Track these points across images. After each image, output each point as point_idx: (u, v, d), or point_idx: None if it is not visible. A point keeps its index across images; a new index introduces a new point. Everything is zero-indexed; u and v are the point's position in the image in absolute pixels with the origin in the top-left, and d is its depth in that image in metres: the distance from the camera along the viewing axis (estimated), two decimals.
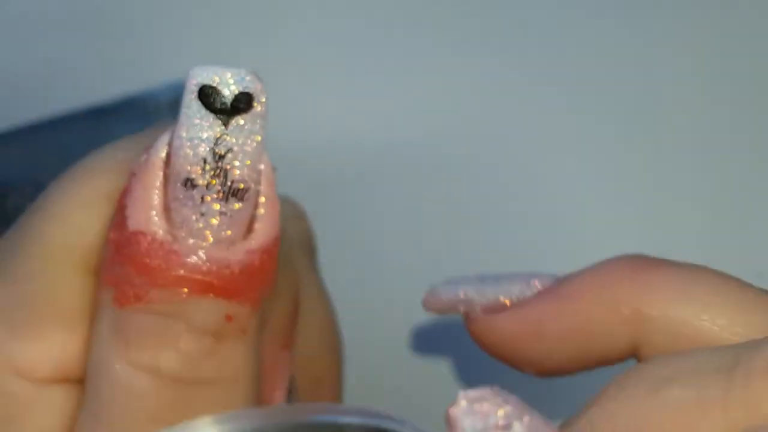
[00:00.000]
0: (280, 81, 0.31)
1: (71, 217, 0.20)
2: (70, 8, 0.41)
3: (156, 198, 0.19)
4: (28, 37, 0.41)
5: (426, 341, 0.38)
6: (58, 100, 0.38)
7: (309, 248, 0.27)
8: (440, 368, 0.37)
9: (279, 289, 0.21)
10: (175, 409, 0.19)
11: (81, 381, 0.20)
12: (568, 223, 0.39)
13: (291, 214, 0.26)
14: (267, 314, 0.21)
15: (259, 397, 0.20)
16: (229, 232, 0.19)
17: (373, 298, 0.36)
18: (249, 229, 0.19)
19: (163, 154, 0.19)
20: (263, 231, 0.19)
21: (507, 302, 0.24)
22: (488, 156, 0.40)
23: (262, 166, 0.19)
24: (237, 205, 0.19)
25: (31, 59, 0.40)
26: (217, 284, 0.19)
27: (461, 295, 0.24)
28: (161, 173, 0.19)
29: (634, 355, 0.23)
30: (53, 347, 0.19)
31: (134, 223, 0.19)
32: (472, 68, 0.41)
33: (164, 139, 0.19)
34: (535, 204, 0.40)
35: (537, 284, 0.24)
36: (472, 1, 0.42)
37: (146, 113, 0.36)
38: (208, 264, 0.19)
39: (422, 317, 0.33)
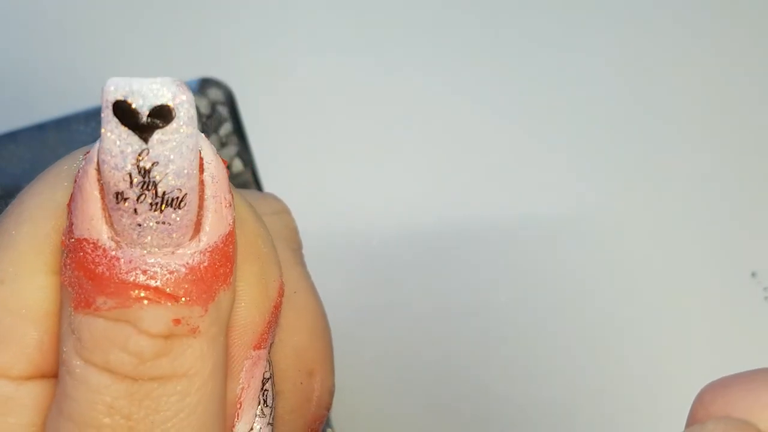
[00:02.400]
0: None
1: (39, 221, 0.20)
2: (71, 9, 0.41)
3: (95, 205, 0.19)
4: (30, 38, 0.41)
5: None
6: (61, 101, 0.38)
7: (293, 242, 0.27)
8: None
9: (250, 286, 0.21)
10: (133, 401, 0.19)
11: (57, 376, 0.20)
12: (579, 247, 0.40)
13: (272, 210, 0.26)
14: (230, 308, 0.21)
15: (226, 394, 0.21)
16: (172, 238, 0.19)
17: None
18: (197, 230, 0.19)
19: (95, 163, 0.19)
20: (211, 230, 0.19)
21: None
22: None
23: (204, 166, 0.19)
24: (174, 214, 0.19)
25: (34, 61, 0.40)
26: (161, 289, 0.19)
27: None
28: (96, 181, 0.19)
29: None
30: (28, 345, 0.20)
31: (78, 229, 0.19)
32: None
33: (97, 146, 0.19)
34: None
35: None
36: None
37: None
38: (152, 270, 0.19)
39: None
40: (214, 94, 0.37)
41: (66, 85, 0.40)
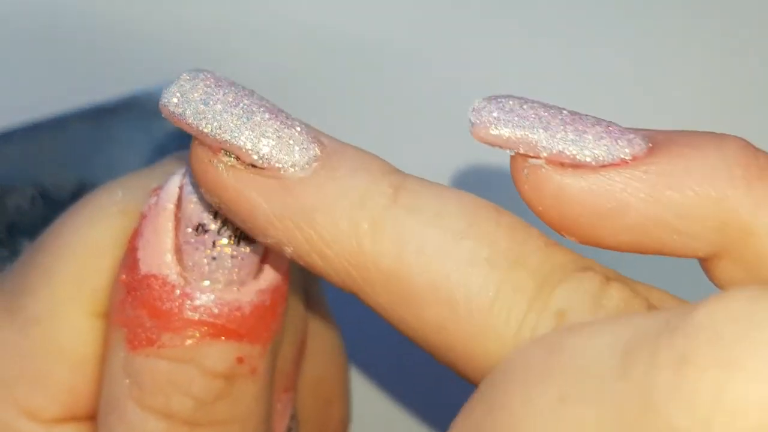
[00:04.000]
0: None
1: (81, 259, 0.20)
2: (71, 8, 0.41)
3: (168, 241, 0.19)
4: (28, 37, 0.41)
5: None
6: (58, 99, 0.38)
7: None
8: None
9: (286, 328, 0.21)
10: None
11: (90, 418, 0.20)
12: None
13: None
14: (277, 351, 0.21)
15: None
16: (240, 274, 0.19)
17: None
18: (259, 269, 0.19)
19: (175, 197, 0.19)
20: (273, 270, 0.19)
21: (590, 164, 0.19)
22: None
23: None
24: (247, 249, 0.19)
25: (32, 59, 0.40)
26: (228, 327, 0.19)
27: (525, 135, 0.19)
28: (173, 216, 0.19)
29: (703, 257, 0.19)
30: (60, 389, 0.20)
31: (146, 266, 0.19)
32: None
33: (175, 181, 0.19)
34: None
35: (627, 150, 0.20)
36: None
37: (146, 113, 0.36)
38: (219, 307, 0.19)
39: None
40: None
41: (61, 84, 0.40)
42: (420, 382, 0.37)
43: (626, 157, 0.20)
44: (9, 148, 0.37)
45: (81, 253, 0.20)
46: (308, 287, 0.24)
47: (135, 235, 0.19)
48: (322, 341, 0.24)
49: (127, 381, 0.19)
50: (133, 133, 0.36)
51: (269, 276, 0.19)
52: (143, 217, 0.19)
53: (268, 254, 0.19)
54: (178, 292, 0.19)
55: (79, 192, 0.36)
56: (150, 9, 0.41)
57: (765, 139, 0.40)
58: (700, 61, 0.41)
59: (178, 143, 0.36)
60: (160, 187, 0.19)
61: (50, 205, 0.36)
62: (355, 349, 0.26)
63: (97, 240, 0.20)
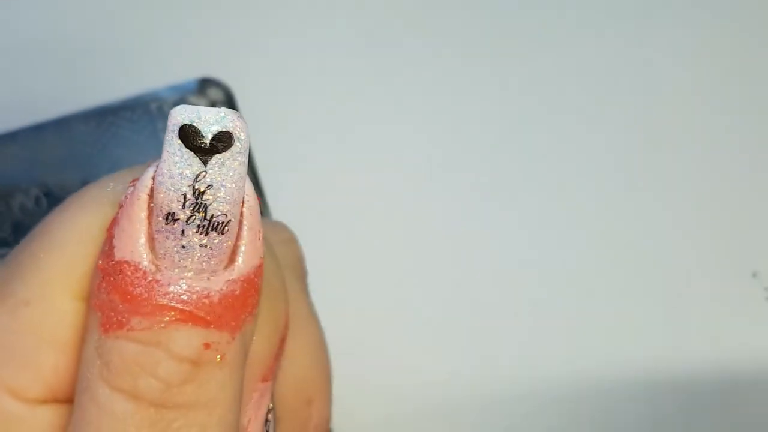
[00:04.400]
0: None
1: (69, 245, 0.21)
2: (69, 9, 0.41)
3: (141, 229, 0.20)
4: (28, 38, 0.41)
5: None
6: (63, 100, 0.39)
7: (299, 271, 0.27)
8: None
9: (263, 320, 0.22)
10: (155, 430, 0.19)
11: (71, 401, 0.20)
12: (575, 237, 0.40)
13: (281, 239, 0.27)
14: (249, 341, 0.21)
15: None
16: (210, 263, 0.20)
17: None
18: (231, 259, 0.20)
19: (148, 188, 0.20)
20: (244, 261, 0.20)
21: None
22: None
23: (244, 198, 0.20)
24: (217, 239, 0.19)
25: (35, 60, 0.40)
26: (195, 313, 0.19)
27: None
28: (146, 206, 0.20)
29: None
30: (45, 370, 0.20)
31: (120, 252, 0.20)
32: None
33: (149, 172, 0.20)
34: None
35: None
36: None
37: (149, 114, 0.37)
38: (188, 293, 0.19)
39: None
40: (214, 94, 0.37)
41: (65, 85, 0.40)
42: (406, 384, 0.38)
43: None
44: (13, 149, 0.37)
45: (69, 239, 0.21)
46: (291, 284, 0.24)
47: (112, 224, 0.20)
48: (305, 340, 0.25)
49: (98, 362, 0.19)
50: (136, 134, 0.36)
51: (241, 266, 0.20)
52: (120, 206, 0.20)
53: (239, 245, 0.20)
54: (149, 278, 0.19)
55: None
56: (152, 11, 0.41)
57: (765, 139, 0.41)
58: (701, 60, 0.42)
59: None
60: (137, 179, 0.20)
61: (54, 205, 0.36)
62: (338, 350, 0.27)
63: (86, 228, 0.21)
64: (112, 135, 0.37)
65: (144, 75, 0.39)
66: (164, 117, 0.36)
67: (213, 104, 0.37)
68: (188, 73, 0.39)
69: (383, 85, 0.41)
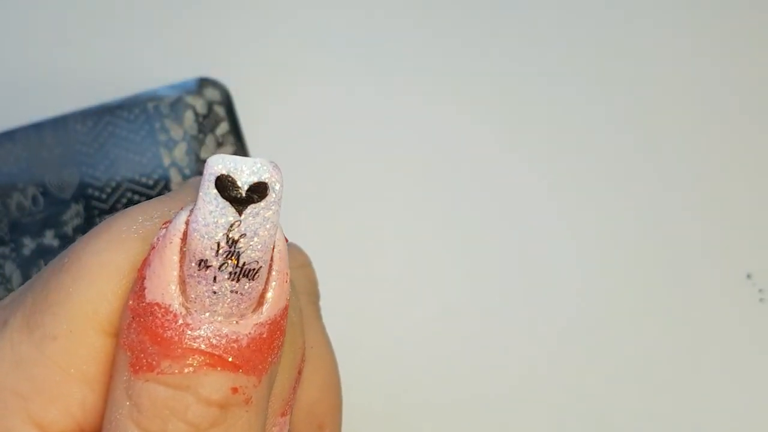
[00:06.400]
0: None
1: (99, 281, 0.21)
2: (68, 8, 0.41)
3: (173, 272, 0.20)
4: (31, 37, 0.41)
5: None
6: (61, 100, 0.39)
7: (313, 296, 0.27)
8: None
9: (284, 356, 0.22)
10: None
11: None
12: (568, 242, 0.40)
13: (296, 264, 0.27)
14: (273, 381, 0.21)
15: None
16: (239, 308, 0.20)
17: None
18: (259, 302, 0.20)
19: (181, 232, 0.20)
20: (272, 304, 0.20)
21: None
22: None
23: (275, 245, 0.20)
24: (248, 284, 0.20)
25: (35, 59, 0.40)
26: (224, 358, 0.19)
27: None
28: (178, 249, 0.20)
29: None
30: (72, 404, 0.20)
31: (151, 294, 0.20)
32: None
33: (183, 216, 0.20)
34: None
35: None
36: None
37: (147, 113, 0.36)
38: (217, 337, 0.20)
39: None
40: (211, 93, 0.37)
41: (63, 84, 0.40)
42: (406, 384, 0.38)
43: None
44: (11, 148, 0.37)
45: (99, 275, 0.21)
46: (306, 310, 0.24)
47: (144, 265, 0.20)
48: (318, 365, 0.25)
49: (128, 403, 0.20)
50: (133, 133, 0.36)
51: (268, 309, 0.20)
52: (152, 247, 0.20)
53: (268, 289, 0.20)
54: (180, 321, 0.19)
55: (80, 191, 0.36)
56: (150, 11, 0.41)
57: (760, 140, 0.41)
58: (691, 61, 0.42)
59: (179, 144, 0.36)
60: (169, 221, 0.20)
61: (52, 204, 0.36)
62: (338, 350, 0.27)
63: (116, 263, 0.21)
64: (110, 134, 0.36)
65: (142, 74, 0.39)
66: (161, 116, 0.36)
67: (210, 104, 0.37)
68: (186, 72, 0.39)
69: (382, 85, 0.41)
